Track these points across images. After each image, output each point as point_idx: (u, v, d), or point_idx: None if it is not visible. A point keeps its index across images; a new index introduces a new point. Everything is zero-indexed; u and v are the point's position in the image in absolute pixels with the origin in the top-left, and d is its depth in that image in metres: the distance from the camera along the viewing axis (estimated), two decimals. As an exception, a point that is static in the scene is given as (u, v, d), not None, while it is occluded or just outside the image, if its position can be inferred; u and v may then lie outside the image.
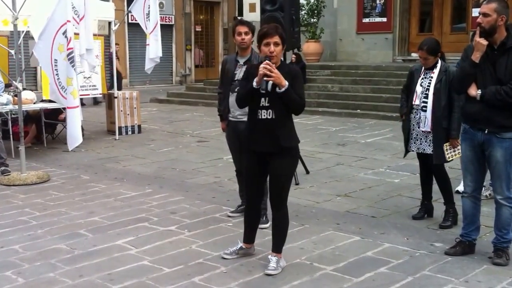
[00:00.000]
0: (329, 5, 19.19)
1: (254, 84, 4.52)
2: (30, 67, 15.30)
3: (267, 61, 4.46)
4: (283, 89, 4.46)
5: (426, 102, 5.65)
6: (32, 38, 9.36)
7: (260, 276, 4.63)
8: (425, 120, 5.67)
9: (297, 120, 4.81)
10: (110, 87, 13.32)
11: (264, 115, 4.59)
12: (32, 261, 5.00)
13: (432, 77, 5.67)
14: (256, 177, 4.79)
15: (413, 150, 5.90)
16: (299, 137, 4.84)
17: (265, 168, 4.72)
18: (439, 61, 5.70)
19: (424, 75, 5.73)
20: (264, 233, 5.33)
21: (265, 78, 4.45)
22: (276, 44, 4.56)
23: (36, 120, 10.56)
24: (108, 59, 14.84)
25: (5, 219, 6.15)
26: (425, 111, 5.66)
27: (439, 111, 5.58)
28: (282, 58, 4.79)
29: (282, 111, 4.58)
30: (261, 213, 5.57)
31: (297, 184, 7.35)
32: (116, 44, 13.01)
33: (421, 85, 5.72)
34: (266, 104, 4.58)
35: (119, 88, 18.19)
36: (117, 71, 15.93)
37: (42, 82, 10.70)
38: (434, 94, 5.62)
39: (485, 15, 4.60)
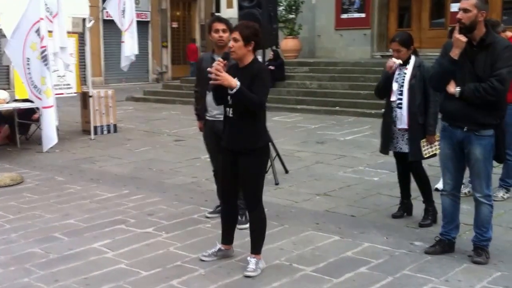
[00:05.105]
0: (307, 1, 19.13)
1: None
2: (2, 66, 15.05)
3: (219, 60, 4.45)
4: (234, 90, 4.42)
5: (401, 99, 5.60)
6: (5, 36, 9.17)
7: (239, 278, 4.58)
8: (401, 117, 5.62)
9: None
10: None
11: (230, 113, 4.59)
12: (6, 266, 4.88)
13: (405, 73, 5.61)
14: (229, 175, 4.72)
15: (390, 150, 5.85)
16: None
17: (237, 167, 4.65)
18: (412, 57, 5.63)
19: (398, 71, 5.66)
20: (243, 234, 5.26)
21: (211, 82, 4.46)
22: (235, 39, 4.51)
23: (9, 120, 10.36)
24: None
25: (-23, 223, 6.01)
26: (401, 108, 5.61)
27: (415, 107, 5.53)
28: (260, 56, 4.73)
29: (241, 110, 4.52)
30: (240, 213, 5.50)
31: (276, 184, 7.29)
32: None
33: (396, 81, 5.66)
34: (230, 102, 4.55)
35: None
36: None
37: (15, 81, 10.48)
38: (408, 90, 5.55)
39: (465, 10, 4.55)
